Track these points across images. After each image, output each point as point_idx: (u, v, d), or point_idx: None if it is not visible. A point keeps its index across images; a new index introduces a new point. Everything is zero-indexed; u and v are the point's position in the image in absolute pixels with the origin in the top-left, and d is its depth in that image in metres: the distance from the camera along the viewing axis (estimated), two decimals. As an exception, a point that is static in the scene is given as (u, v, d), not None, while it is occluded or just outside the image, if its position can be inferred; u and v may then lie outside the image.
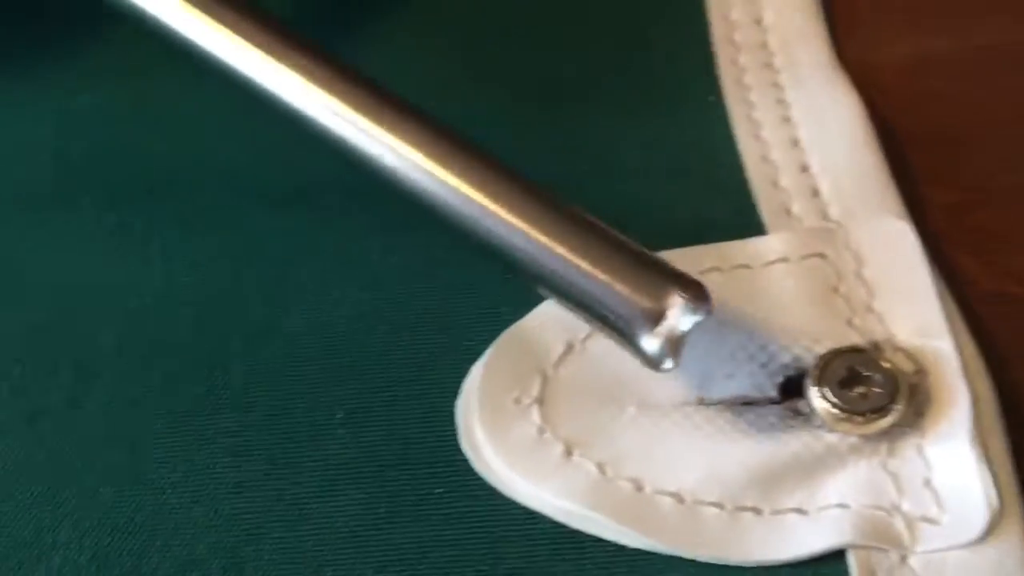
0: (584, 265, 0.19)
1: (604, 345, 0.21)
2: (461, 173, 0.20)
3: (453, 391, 0.21)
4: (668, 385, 0.21)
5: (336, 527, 0.20)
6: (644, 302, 0.18)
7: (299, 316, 0.22)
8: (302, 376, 0.22)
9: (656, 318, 0.18)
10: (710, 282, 0.21)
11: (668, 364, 0.18)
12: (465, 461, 0.20)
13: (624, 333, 0.18)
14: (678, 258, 0.22)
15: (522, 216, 0.19)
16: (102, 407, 0.21)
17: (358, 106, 0.21)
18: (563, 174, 0.23)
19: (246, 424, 0.21)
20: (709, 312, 0.18)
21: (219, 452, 0.21)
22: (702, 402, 0.20)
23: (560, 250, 0.19)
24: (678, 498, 0.19)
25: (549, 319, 0.22)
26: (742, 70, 0.26)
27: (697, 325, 0.18)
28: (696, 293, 0.18)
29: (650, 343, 0.18)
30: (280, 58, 0.21)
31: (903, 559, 0.18)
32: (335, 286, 0.23)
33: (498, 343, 0.21)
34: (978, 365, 0.20)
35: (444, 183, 0.20)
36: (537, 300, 0.22)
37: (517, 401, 0.21)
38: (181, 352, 0.22)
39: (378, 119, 0.20)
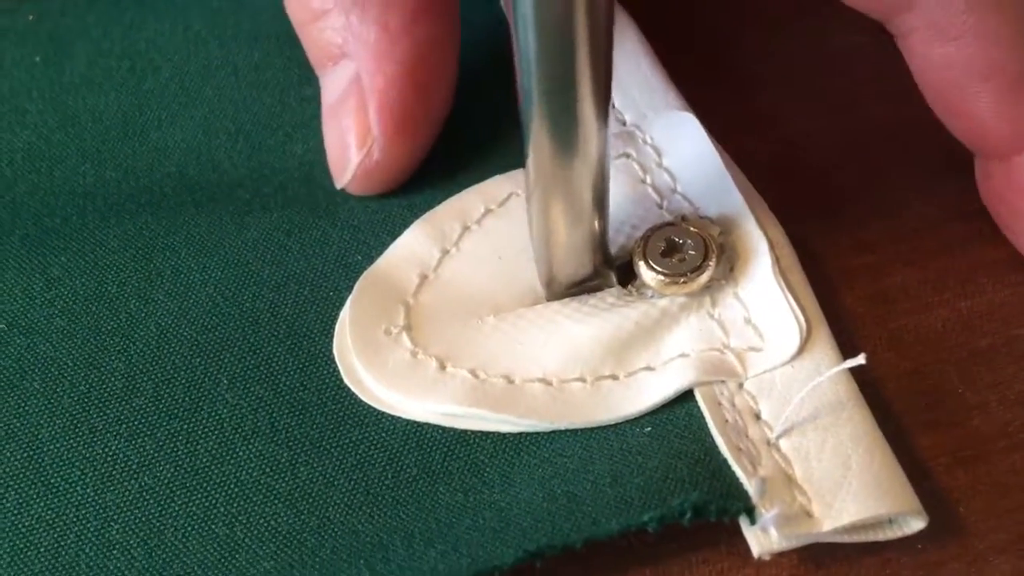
0: None
1: (454, 270, 0.24)
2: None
3: (325, 337, 0.23)
4: (518, 292, 0.23)
5: (242, 482, 0.21)
6: None
7: (166, 303, 0.24)
8: (179, 355, 0.23)
9: None
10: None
11: None
12: (351, 395, 0.22)
13: None
14: (504, 182, 0.25)
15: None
16: None
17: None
18: None
19: (135, 409, 0.22)
20: None
21: (113, 440, 0.22)
22: (549, 299, 0.23)
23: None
24: (545, 382, 0.22)
25: (401, 258, 0.24)
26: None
27: None
28: None
29: None
30: None
31: (740, 386, 0.21)
32: (195, 270, 0.24)
33: (359, 285, 0.23)
34: (769, 218, 0.24)
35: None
36: (386, 245, 0.24)
37: (387, 332, 0.23)
38: (57, 358, 0.23)
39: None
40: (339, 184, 0.25)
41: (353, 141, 0.24)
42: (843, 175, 0.25)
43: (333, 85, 0.24)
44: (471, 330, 0.23)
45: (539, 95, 0.19)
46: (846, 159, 0.25)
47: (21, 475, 0.21)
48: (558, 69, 0.18)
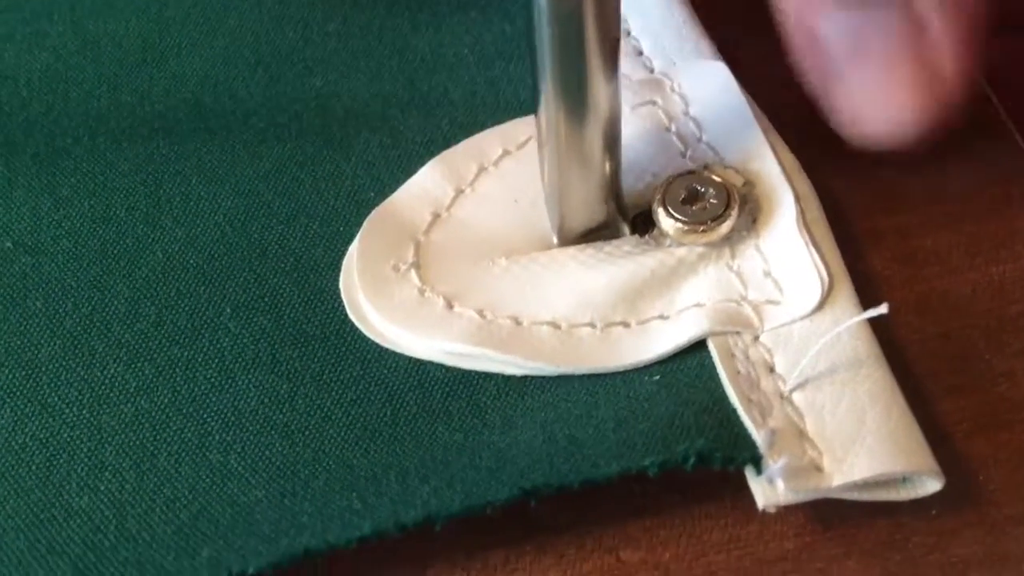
0: None
1: (468, 210, 0.23)
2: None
3: (333, 271, 0.22)
4: (532, 236, 0.23)
5: (240, 411, 0.21)
6: None
7: (174, 230, 0.23)
8: (183, 281, 0.22)
9: None
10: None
11: None
12: (355, 331, 0.22)
13: None
14: (524, 125, 0.24)
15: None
16: None
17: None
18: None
19: (136, 333, 0.22)
20: None
21: (112, 363, 0.21)
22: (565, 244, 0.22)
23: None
24: (554, 325, 0.21)
25: (413, 195, 0.23)
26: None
27: None
28: None
29: None
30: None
31: (755, 338, 0.21)
32: (205, 198, 0.24)
33: (370, 220, 0.23)
34: (797, 170, 0.23)
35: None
36: (400, 182, 0.23)
37: (395, 268, 0.22)
38: (61, 278, 0.23)
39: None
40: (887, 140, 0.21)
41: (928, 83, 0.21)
42: (877, 134, 0.24)
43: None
44: (481, 271, 0.22)
45: (549, 46, 0.19)
46: (881, 118, 0.24)
47: (18, 393, 0.21)
48: (568, 28, 0.18)
